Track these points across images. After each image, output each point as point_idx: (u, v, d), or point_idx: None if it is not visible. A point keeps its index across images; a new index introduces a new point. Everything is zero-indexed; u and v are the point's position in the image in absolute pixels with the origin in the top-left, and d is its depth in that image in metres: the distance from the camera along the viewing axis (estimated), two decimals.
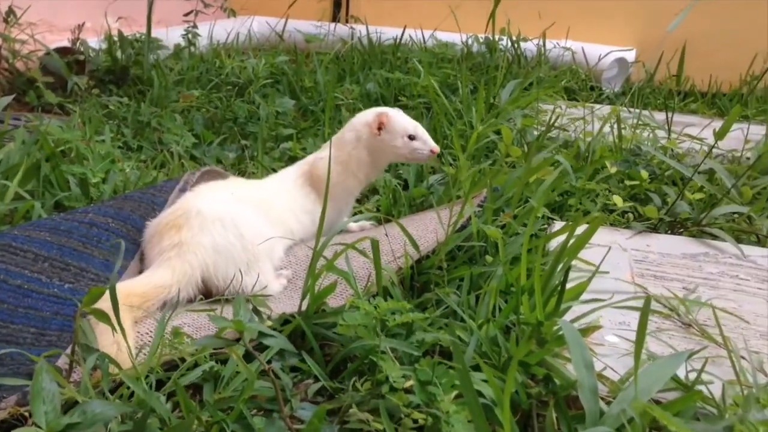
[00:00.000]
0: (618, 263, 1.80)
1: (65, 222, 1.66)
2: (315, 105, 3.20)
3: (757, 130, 2.95)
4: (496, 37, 4.13)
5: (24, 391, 1.15)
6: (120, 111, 2.92)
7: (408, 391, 1.16)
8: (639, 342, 0.99)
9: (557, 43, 4.39)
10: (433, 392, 1.04)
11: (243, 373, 1.18)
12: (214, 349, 1.28)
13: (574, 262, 1.55)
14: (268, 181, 1.94)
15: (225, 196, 1.69)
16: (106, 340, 1.20)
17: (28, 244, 1.52)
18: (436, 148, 1.96)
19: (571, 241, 1.44)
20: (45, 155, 2.04)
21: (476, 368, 1.22)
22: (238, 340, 1.18)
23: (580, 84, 4.16)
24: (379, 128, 1.91)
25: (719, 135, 1.91)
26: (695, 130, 3.00)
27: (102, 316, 1.14)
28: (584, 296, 1.40)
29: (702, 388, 1.16)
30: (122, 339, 1.17)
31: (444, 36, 4.48)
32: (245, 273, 1.52)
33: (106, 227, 1.67)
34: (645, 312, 0.98)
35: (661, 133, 2.99)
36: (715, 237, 2.02)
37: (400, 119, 1.95)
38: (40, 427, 0.76)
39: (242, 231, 1.56)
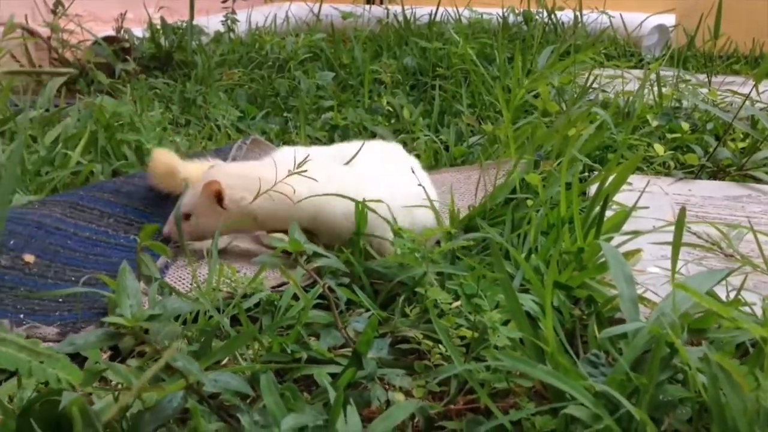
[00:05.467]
0: (660, 206, 1.82)
1: (125, 185, 1.76)
2: (354, 79, 3.26)
3: None
4: (532, 10, 4.15)
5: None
6: (167, 91, 3.03)
7: (455, 315, 1.21)
8: (677, 238, 1.01)
9: (595, 8, 4.35)
10: (479, 303, 1.09)
11: (299, 303, 1.25)
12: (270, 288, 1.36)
13: (614, 207, 1.58)
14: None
15: None
16: None
17: (93, 203, 1.63)
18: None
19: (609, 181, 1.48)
20: (101, 126, 2.15)
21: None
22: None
23: (619, 51, 4.14)
24: None
25: (759, 76, 1.91)
26: (736, 87, 2.97)
27: (161, 249, 1.22)
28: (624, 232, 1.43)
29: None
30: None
31: (480, 10, 4.49)
32: None
33: None
34: (682, 215, 1.01)
35: (702, 91, 2.96)
36: (758, 180, 2.02)
37: None
38: (125, 318, 0.84)
39: None
